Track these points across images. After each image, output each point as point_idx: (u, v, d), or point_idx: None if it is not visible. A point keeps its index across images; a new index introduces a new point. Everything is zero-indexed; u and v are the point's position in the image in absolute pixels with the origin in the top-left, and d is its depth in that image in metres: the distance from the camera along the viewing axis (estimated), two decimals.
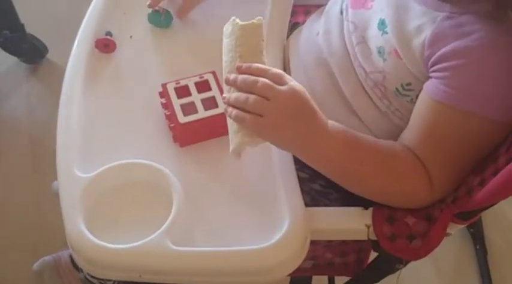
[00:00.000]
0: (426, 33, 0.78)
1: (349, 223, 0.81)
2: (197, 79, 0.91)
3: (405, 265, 0.85)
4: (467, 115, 0.76)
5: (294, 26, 1.08)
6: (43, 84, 1.77)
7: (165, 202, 0.80)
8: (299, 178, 0.84)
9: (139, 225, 0.80)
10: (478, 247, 1.44)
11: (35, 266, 1.27)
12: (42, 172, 1.56)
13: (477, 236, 1.45)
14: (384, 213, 0.80)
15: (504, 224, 1.50)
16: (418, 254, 0.79)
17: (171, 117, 0.88)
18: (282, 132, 0.75)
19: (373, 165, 0.78)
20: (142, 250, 0.76)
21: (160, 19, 1.01)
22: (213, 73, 0.91)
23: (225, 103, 0.78)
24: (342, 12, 0.92)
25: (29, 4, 1.81)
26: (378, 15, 0.85)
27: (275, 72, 0.76)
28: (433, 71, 0.78)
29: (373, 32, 0.86)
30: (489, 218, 1.47)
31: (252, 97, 0.74)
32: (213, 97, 0.89)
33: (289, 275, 0.81)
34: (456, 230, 0.80)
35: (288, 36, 1.04)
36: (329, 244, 0.94)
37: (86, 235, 0.77)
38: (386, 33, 0.83)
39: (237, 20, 0.81)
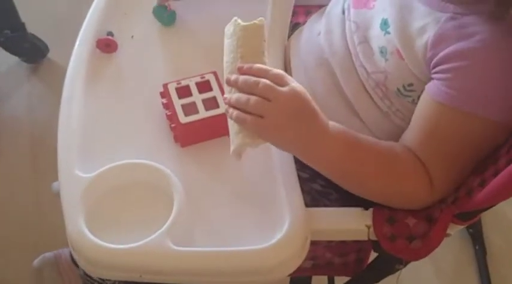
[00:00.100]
0: (429, 34, 0.78)
1: (350, 224, 0.81)
2: (198, 79, 0.91)
3: (405, 265, 0.85)
4: (469, 116, 0.76)
5: (294, 27, 1.08)
6: (44, 84, 1.77)
7: (165, 202, 0.80)
8: (299, 178, 0.84)
9: (140, 225, 0.80)
10: (477, 247, 1.44)
11: (35, 262, 1.27)
12: (42, 172, 1.56)
13: (476, 237, 1.45)
14: (384, 213, 0.80)
15: (504, 224, 1.50)
16: (418, 255, 0.79)
17: (172, 117, 0.88)
18: (282, 133, 0.75)
19: (374, 166, 0.78)
20: (143, 250, 0.76)
21: (163, 15, 1.02)
22: (214, 73, 0.91)
23: (226, 104, 0.78)
24: (343, 12, 0.92)
25: (30, 3, 1.81)
26: (380, 15, 0.85)
27: (276, 73, 0.76)
28: (435, 72, 0.78)
29: (376, 32, 0.86)
30: (489, 218, 1.47)
31: (253, 98, 0.74)
32: (214, 98, 0.89)
33: (289, 275, 0.81)
34: (456, 231, 0.80)
35: (288, 37, 1.04)
36: (329, 244, 0.94)
37: (87, 235, 0.77)
38: (389, 33, 0.83)
39: (239, 21, 0.81)
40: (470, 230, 1.45)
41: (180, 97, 0.89)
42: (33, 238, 1.44)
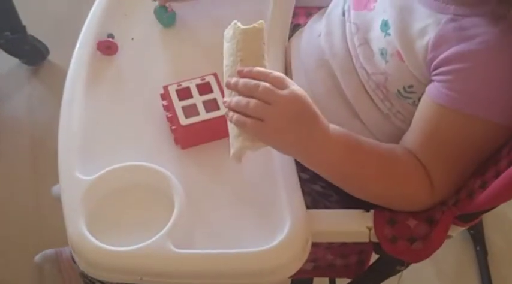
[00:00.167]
0: (430, 36, 0.78)
1: (351, 225, 0.81)
2: (199, 81, 0.91)
3: (406, 267, 0.85)
4: (470, 118, 0.76)
5: (295, 28, 1.08)
6: (44, 86, 1.77)
7: (166, 204, 0.80)
8: (300, 178, 0.84)
9: (140, 227, 0.80)
10: (478, 248, 1.44)
11: (37, 258, 1.28)
12: (42, 174, 1.56)
13: (477, 238, 1.45)
14: (385, 215, 0.80)
15: (505, 225, 1.50)
16: (420, 257, 0.79)
17: (172, 119, 0.88)
18: (283, 136, 0.75)
19: (375, 168, 0.78)
20: (143, 253, 0.76)
21: (163, 15, 1.02)
22: (215, 75, 0.91)
23: (226, 107, 0.78)
24: (344, 14, 0.92)
25: (31, 5, 1.81)
26: (380, 16, 0.85)
27: (276, 76, 0.76)
28: (436, 74, 0.78)
29: (376, 34, 0.85)
30: (489, 219, 1.47)
31: (253, 101, 0.74)
32: (215, 100, 0.89)
33: (290, 277, 0.81)
34: (457, 232, 0.81)
35: (289, 38, 1.04)
36: (330, 246, 0.94)
37: (88, 237, 0.77)
38: (389, 34, 0.83)
39: (238, 24, 0.81)
40: (471, 231, 1.45)
41: (180, 99, 0.89)
42: (33, 239, 1.44)
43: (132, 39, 1.01)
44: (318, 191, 0.91)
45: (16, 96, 1.75)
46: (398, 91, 0.83)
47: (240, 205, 0.84)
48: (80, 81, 0.94)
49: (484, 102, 0.76)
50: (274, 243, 0.77)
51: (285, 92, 0.74)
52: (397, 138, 0.84)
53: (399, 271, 0.87)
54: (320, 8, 1.04)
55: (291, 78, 0.94)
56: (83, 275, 1.08)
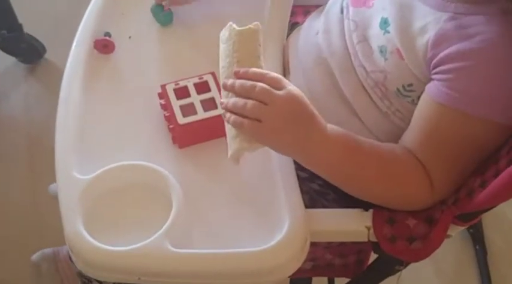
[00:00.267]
0: (430, 34, 0.78)
1: (350, 225, 0.81)
2: (196, 80, 0.91)
3: (405, 266, 0.85)
4: (471, 118, 0.75)
5: (293, 26, 1.08)
6: (41, 84, 1.77)
7: (164, 203, 0.80)
8: (298, 177, 0.84)
9: (138, 227, 0.79)
10: (477, 247, 1.45)
11: (34, 257, 1.27)
12: (39, 172, 1.56)
13: (477, 237, 1.45)
14: (384, 214, 0.80)
15: (504, 224, 1.50)
16: (419, 256, 0.78)
17: (170, 118, 0.87)
18: (280, 136, 0.74)
19: (375, 169, 0.78)
20: (141, 252, 0.76)
21: (160, 14, 1.01)
22: (213, 74, 0.91)
23: (223, 108, 0.77)
24: (342, 11, 0.92)
25: (27, 4, 1.81)
26: (379, 13, 0.85)
27: (273, 77, 0.76)
28: (436, 73, 0.77)
29: (375, 31, 0.85)
30: (489, 218, 1.47)
31: (250, 102, 0.74)
32: (213, 99, 0.89)
33: (289, 276, 0.81)
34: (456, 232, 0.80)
35: (287, 36, 1.03)
36: (329, 246, 0.94)
37: (85, 237, 0.77)
38: (389, 32, 0.83)
39: (234, 25, 0.81)
40: (471, 230, 1.45)
41: (178, 98, 0.88)
42: (30, 239, 1.44)
43: (130, 37, 1.01)
44: (316, 189, 0.91)
45: (13, 94, 1.75)
46: (398, 89, 0.83)
47: (238, 204, 0.83)
48: (76, 79, 0.94)
49: (485, 101, 0.75)
50: (273, 243, 0.77)
51: (281, 92, 0.74)
52: (396, 136, 0.83)
53: (398, 270, 0.87)
54: (318, 6, 1.03)
55: (289, 76, 0.94)
56: (80, 275, 1.08)
